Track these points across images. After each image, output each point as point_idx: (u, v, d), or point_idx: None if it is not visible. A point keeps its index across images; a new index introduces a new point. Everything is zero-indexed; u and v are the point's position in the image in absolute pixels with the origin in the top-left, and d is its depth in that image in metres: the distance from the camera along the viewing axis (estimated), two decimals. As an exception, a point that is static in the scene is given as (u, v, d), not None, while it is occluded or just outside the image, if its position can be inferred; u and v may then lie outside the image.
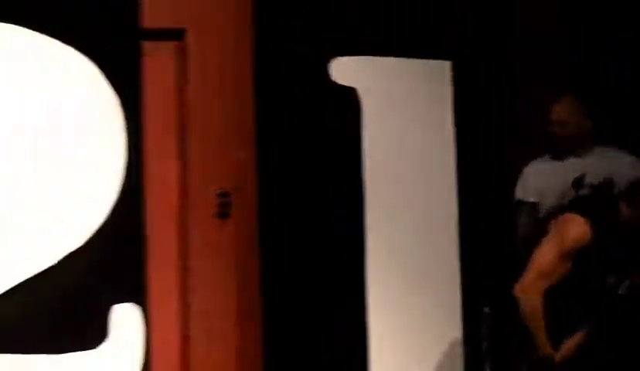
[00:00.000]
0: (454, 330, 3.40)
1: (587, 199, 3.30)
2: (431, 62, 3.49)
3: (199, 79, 3.22)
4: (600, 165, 3.52)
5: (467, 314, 3.42)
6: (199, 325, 3.23)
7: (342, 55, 3.27)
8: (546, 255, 3.11)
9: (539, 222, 3.39)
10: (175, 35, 3.24)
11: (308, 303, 3.30)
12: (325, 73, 3.22)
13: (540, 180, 3.53)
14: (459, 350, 3.41)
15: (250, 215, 3.24)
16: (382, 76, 3.36)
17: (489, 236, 3.53)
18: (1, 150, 3.12)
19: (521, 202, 3.53)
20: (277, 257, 3.25)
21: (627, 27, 3.68)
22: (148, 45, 3.15)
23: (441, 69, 3.49)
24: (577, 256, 3.06)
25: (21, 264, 3.13)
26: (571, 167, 3.52)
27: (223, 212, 3.29)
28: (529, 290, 3.07)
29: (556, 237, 3.11)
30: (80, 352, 3.13)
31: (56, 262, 3.11)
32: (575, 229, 3.09)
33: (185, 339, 3.25)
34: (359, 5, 3.38)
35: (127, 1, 3.18)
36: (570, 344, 3.11)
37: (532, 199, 3.52)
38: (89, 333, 3.12)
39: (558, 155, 3.52)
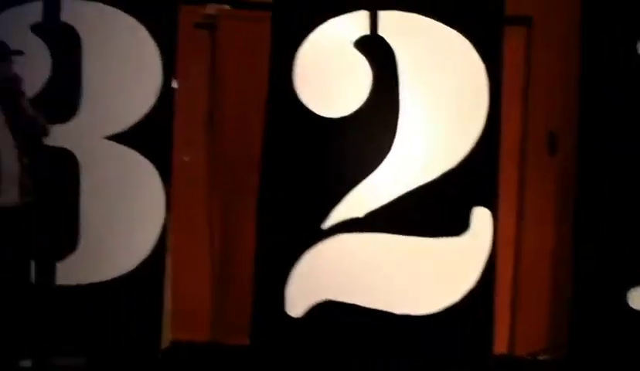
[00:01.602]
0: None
1: None
2: None
3: (541, 55, 4.65)
4: None
5: None
6: (528, 222, 4.70)
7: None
8: None
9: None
10: (525, 21, 4.70)
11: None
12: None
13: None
14: None
15: (571, 150, 4.61)
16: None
17: None
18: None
19: None
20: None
21: None
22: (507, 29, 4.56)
23: None
24: None
25: (414, 176, 4.52)
26: None
27: (553, 148, 4.72)
28: None
29: None
30: (449, 237, 4.52)
31: (436, 177, 4.52)
32: None
33: (519, 232, 4.71)
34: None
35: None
36: None
37: None
38: (456, 225, 4.50)
39: None
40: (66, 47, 4.70)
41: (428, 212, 4.54)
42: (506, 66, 4.55)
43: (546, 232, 4.76)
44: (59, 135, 4.59)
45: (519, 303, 4.81)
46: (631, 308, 4.53)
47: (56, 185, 4.65)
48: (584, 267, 4.62)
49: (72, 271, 4.65)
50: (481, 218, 4.54)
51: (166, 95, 4.67)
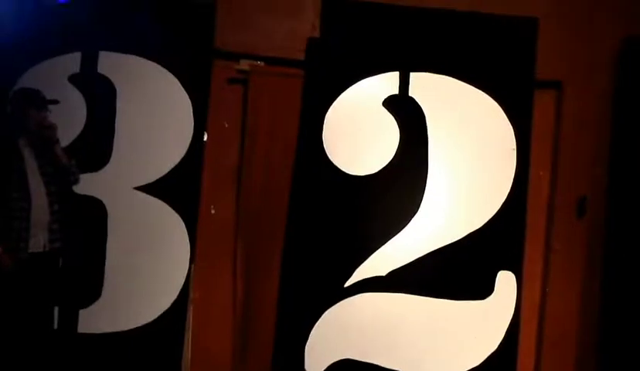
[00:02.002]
0: None
1: None
2: None
3: (570, 119, 4.64)
4: None
5: None
6: (554, 289, 4.63)
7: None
8: None
9: None
10: (555, 85, 4.70)
11: None
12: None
13: None
14: None
15: (600, 215, 4.61)
16: None
17: None
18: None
19: None
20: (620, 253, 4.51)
21: None
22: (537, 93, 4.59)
23: None
24: None
25: (439, 237, 4.52)
26: None
27: (580, 211, 4.70)
28: None
29: None
30: (472, 301, 4.50)
31: (461, 237, 4.52)
32: None
33: (543, 298, 4.66)
34: None
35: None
36: None
37: None
38: (480, 288, 4.48)
39: None
40: (101, 98, 4.80)
41: (452, 273, 4.53)
42: (536, 129, 4.57)
43: (572, 297, 4.71)
44: (90, 184, 4.69)
45: (542, 359, 4.75)
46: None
47: (84, 233, 4.71)
48: (611, 335, 4.57)
49: (94, 319, 4.69)
50: (505, 282, 4.52)
51: (196, 147, 4.75)
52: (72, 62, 4.79)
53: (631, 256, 4.52)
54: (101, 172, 4.74)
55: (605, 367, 4.53)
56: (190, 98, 4.76)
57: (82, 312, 4.68)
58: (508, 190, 4.52)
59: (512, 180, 4.52)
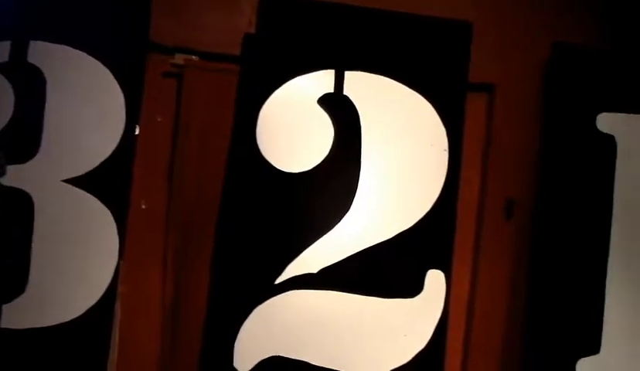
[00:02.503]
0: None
1: None
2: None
3: (501, 122, 4.79)
4: None
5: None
6: (482, 288, 4.77)
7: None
8: None
9: None
10: (487, 88, 4.84)
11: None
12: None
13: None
14: None
15: (527, 217, 4.72)
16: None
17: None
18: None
19: None
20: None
21: None
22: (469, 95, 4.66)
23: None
24: None
25: (370, 235, 4.53)
26: None
27: (509, 213, 4.83)
28: None
29: None
30: (401, 299, 4.52)
31: (392, 236, 4.54)
32: None
33: (472, 297, 4.78)
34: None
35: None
36: None
37: None
38: (410, 287, 4.51)
39: None
40: (30, 88, 4.69)
41: (382, 271, 4.56)
42: (467, 132, 4.62)
43: (499, 296, 4.82)
44: (17, 176, 4.57)
45: (468, 367, 4.84)
46: (580, 377, 4.68)
47: (9, 225, 4.58)
48: (535, 334, 4.64)
49: (18, 315, 4.57)
50: (435, 280, 4.56)
51: (128, 141, 4.67)
52: (0, 50, 4.67)
53: (555, 256, 4.61)
54: (29, 164, 4.64)
55: (530, 364, 4.61)
56: (123, 91, 4.68)
57: (5, 307, 4.55)
58: (440, 190, 4.57)
59: (443, 181, 4.57)
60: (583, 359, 4.55)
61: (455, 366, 4.77)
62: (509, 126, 4.79)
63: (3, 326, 4.59)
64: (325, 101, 4.62)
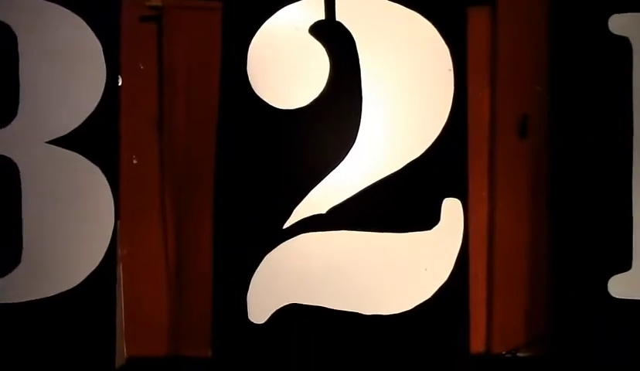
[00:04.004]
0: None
1: None
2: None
3: (507, 36, 4.56)
4: None
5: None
6: (502, 213, 4.59)
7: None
8: None
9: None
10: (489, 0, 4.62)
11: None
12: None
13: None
14: None
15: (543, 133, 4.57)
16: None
17: None
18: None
19: None
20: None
21: None
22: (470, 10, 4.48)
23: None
24: None
25: (378, 168, 4.38)
26: None
27: (523, 131, 4.65)
28: None
29: None
30: (418, 232, 4.39)
31: (401, 167, 4.38)
32: None
33: (492, 222, 4.61)
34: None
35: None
36: None
37: None
38: (426, 218, 4.37)
39: None
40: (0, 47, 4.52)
41: (395, 205, 4.42)
42: (471, 48, 4.44)
43: (520, 220, 4.67)
44: (-3, 142, 4.63)
45: (494, 297, 4.71)
46: (612, 296, 4.44)
47: (-5, 195, 4.65)
48: (562, 256, 4.53)
49: (16, 287, 4.44)
50: (451, 209, 4.43)
51: (111, 94, 4.48)
52: (-36, 9, 4.66)
53: (576, 172, 4.46)
54: (8, 128, 4.45)
55: (560, 289, 4.49)
56: (100, 40, 4.47)
57: (1, 281, 4.42)
58: (447, 114, 4.40)
59: (450, 103, 4.40)
60: (614, 276, 4.43)
61: (480, 297, 4.64)
62: (516, 38, 4.58)
63: (1, 301, 4.46)
64: (317, 30, 4.43)
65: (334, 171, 4.42)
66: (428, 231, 4.42)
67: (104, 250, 4.46)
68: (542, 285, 4.60)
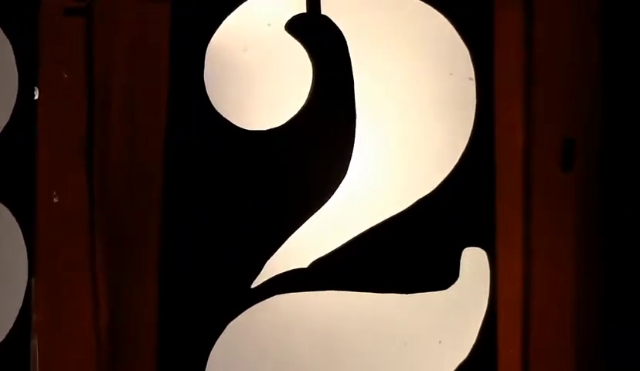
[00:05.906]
0: None
1: None
2: None
3: (546, 36, 3.61)
4: None
5: None
6: (540, 268, 3.62)
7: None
8: None
9: None
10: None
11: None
12: None
13: None
14: None
15: (594, 164, 3.73)
16: None
17: None
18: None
19: None
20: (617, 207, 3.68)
21: None
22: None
23: None
24: None
25: (378, 209, 3.59)
26: None
27: (567, 162, 3.82)
28: None
29: None
30: (429, 293, 3.59)
31: (407, 207, 3.56)
32: None
33: (527, 280, 3.64)
34: None
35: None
36: None
37: None
38: (440, 274, 3.57)
39: None
40: None
41: (400, 257, 3.60)
42: (500, 53, 3.59)
43: (564, 275, 3.70)
44: None
45: (531, 365, 3.80)
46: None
47: None
48: (619, 322, 3.72)
49: None
50: (474, 262, 3.59)
51: (25, 110, 3.81)
52: None
53: (636, 214, 3.66)
54: None
55: (611, 359, 3.64)
56: (11, 41, 3.80)
57: None
58: (468, 136, 3.58)
59: (472, 123, 3.58)
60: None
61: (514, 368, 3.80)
62: (557, 41, 3.64)
63: None
64: (296, 26, 3.66)
65: (319, 211, 3.64)
66: (444, 291, 3.61)
67: (14, 317, 3.78)
68: (591, 348, 3.72)
